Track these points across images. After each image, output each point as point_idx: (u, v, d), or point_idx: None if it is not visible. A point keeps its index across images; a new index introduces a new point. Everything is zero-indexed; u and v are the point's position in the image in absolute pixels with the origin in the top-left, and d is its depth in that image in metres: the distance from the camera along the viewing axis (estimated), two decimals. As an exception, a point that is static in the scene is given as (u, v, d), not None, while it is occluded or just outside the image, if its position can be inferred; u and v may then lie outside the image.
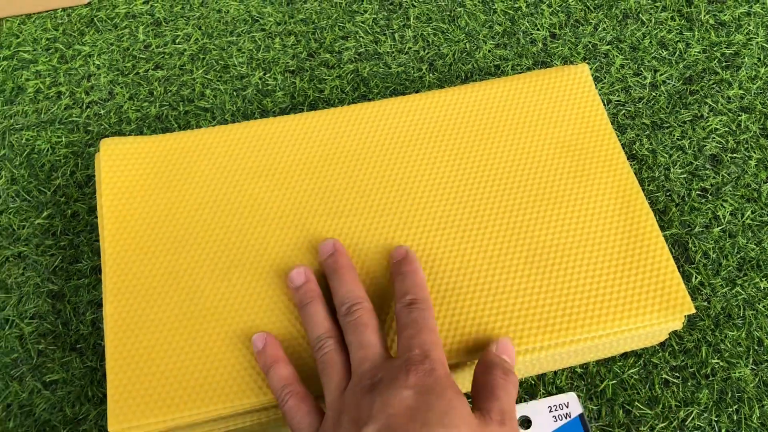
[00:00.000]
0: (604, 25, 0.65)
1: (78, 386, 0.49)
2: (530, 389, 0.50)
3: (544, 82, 0.54)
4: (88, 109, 0.60)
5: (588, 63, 0.63)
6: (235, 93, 0.61)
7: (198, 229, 0.48)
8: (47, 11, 0.66)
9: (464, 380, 0.47)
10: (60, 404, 0.49)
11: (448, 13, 0.66)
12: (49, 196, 0.56)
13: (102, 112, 0.60)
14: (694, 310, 0.45)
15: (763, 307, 0.52)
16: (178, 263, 0.47)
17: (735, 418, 0.49)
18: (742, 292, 0.53)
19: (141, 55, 0.63)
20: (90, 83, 0.62)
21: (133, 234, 0.48)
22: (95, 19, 0.65)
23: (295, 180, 0.50)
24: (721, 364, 0.50)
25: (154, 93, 0.61)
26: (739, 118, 0.60)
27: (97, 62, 0.63)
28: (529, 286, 0.46)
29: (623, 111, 0.60)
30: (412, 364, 0.38)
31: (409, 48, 0.64)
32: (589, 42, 0.64)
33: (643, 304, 0.46)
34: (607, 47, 0.64)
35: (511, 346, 0.43)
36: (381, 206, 0.49)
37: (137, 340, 0.44)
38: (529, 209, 0.49)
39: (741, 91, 0.61)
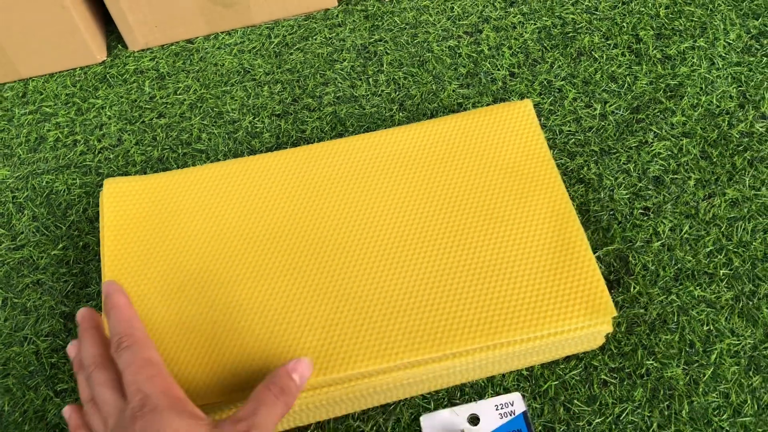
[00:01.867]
0: (560, 63, 0.72)
1: (84, 393, 0.57)
2: (480, 390, 0.55)
3: (491, 116, 0.61)
4: (100, 154, 0.69)
5: (543, 97, 0.69)
6: (227, 136, 0.69)
7: (186, 253, 0.56)
8: (67, 70, 0.75)
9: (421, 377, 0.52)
10: (69, 409, 0.56)
11: (418, 58, 0.73)
12: (64, 230, 0.65)
13: (111, 156, 0.69)
14: (615, 313, 0.51)
15: (696, 312, 0.57)
16: (168, 284, 0.54)
17: (666, 413, 0.53)
18: (677, 300, 0.58)
19: (146, 106, 0.72)
20: (102, 132, 0.71)
21: (129, 259, 0.56)
22: (107, 75, 0.75)
23: (269, 209, 0.58)
24: (655, 365, 0.55)
25: (157, 138, 0.70)
26: (681, 142, 0.65)
27: (108, 113, 0.72)
28: (473, 294, 0.52)
29: (573, 139, 0.66)
30: (134, 413, 0.41)
31: (382, 91, 0.71)
32: (545, 79, 0.71)
33: (571, 308, 0.51)
34: (562, 83, 0.70)
35: (308, 368, 0.47)
36: (347, 229, 0.56)
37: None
38: (475, 227, 0.55)
39: (684, 118, 0.67)
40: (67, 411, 0.49)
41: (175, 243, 0.56)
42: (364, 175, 0.59)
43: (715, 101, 0.68)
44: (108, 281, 0.50)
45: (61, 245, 0.64)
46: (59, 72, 0.75)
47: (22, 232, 0.65)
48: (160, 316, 0.53)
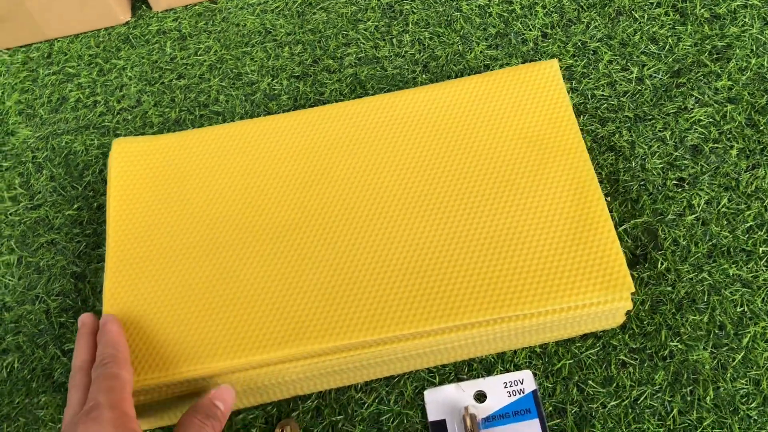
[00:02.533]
0: (596, 23, 0.67)
1: (90, 354, 0.56)
2: (489, 366, 0.52)
3: (514, 77, 0.57)
4: (119, 115, 0.68)
5: (576, 60, 0.65)
6: (244, 98, 0.68)
7: (191, 214, 0.55)
8: (91, 31, 0.75)
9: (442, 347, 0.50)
10: (74, 369, 0.56)
11: (445, 17, 0.70)
12: (80, 191, 0.64)
13: (129, 117, 0.68)
14: (633, 289, 0.47)
15: (730, 292, 0.53)
16: (172, 242, 0.53)
17: (689, 398, 0.49)
18: (709, 278, 0.53)
19: (167, 67, 0.71)
20: (122, 93, 0.70)
21: (134, 219, 0.55)
22: (131, 36, 0.74)
23: (277, 172, 0.56)
24: (679, 347, 0.51)
25: (176, 100, 0.69)
26: (725, 108, 0.60)
27: (129, 74, 0.71)
28: (483, 265, 0.50)
29: (605, 104, 0.62)
30: (80, 418, 0.43)
31: (406, 52, 0.68)
32: (580, 40, 0.66)
33: (586, 282, 0.48)
34: (597, 44, 0.66)
35: (230, 395, 0.48)
36: (357, 193, 0.54)
37: (130, 311, 0.51)
38: (490, 194, 0.52)
39: (729, 83, 0.62)
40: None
41: (182, 204, 0.55)
42: (378, 138, 0.56)
43: (766, 64, 0.62)
44: (106, 315, 0.51)
45: (76, 206, 0.64)
46: (84, 33, 0.75)
47: (40, 192, 0.65)
48: (164, 278, 0.52)
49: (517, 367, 0.52)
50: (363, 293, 0.50)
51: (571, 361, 0.52)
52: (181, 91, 0.69)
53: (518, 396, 0.51)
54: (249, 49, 0.71)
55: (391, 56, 0.68)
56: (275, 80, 0.68)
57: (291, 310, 0.50)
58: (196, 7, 0.75)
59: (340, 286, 0.50)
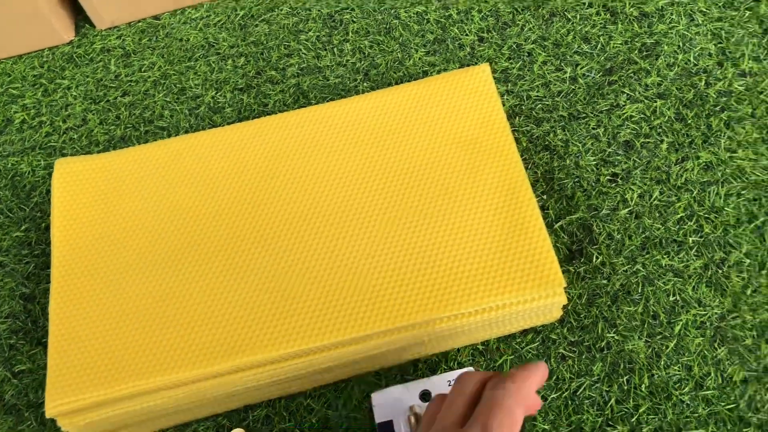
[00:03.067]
0: (530, 26, 0.69)
1: (42, 375, 0.57)
2: (433, 365, 0.54)
3: (447, 83, 0.59)
4: (65, 135, 0.69)
5: (511, 62, 0.66)
6: (188, 112, 0.68)
7: (133, 230, 0.55)
8: (35, 51, 0.75)
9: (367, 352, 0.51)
10: (26, 390, 0.56)
11: (384, 26, 0.71)
12: (28, 212, 0.65)
13: (75, 136, 0.68)
14: (564, 284, 0.49)
15: (662, 283, 0.54)
16: (115, 259, 0.54)
17: (625, 387, 0.51)
18: (643, 270, 0.55)
19: (111, 85, 0.71)
20: (67, 112, 0.70)
21: (79, 239, 0.55)
22: (74, 55, 0.74)
23: (220, 184, 0.56)
24: (615, 337, 0.53)
25: (121, 117, 0.69)
26: (655, 104, 0.62)
27: (74, 93, 0.71)
28: (423, 268, 0.51)
29: (540, 105, 0.64)
30: None
31: (347, 60, 0.69)
32: (515, 42, 0.68)
33: (519, 280, 0.49)
34: (532, 46, 0.67)
35: (540, 371, 0.43)
36: (295, 202, 0.55)
37: (75, 328, 0.51)
38: (426, 199, 0.54)
39: (659, 79, 0.64)
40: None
41: (126, 221, 0.56)
42: (317, 147, 0.57)
43: (692, 59, 0.64)
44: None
45: (24, 227, 0.64)
46: (27, 54, 0.75)
47: (-14, 215, 0.65)
48: (109, 294, 0.53)
49: (461, 365, 0.53)
50: (306, 301, 0.51)
51: (512, 357, 0.53)
52: (126, 108, 0.70)
53: (462, 393, 0.52)
54: (192, 63, 0.72)
55: (332, 65, 0.69)
56: (219, 93, 0.69)
57: (236, 321, 0.50)
58: (140, 24, 0.75)
59: (284, 296, 0.51)
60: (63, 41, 0.75)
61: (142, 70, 0.72)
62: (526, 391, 0.41)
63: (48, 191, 0.66)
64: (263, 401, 0.54)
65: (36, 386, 0.56)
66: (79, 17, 0.77)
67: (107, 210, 0.57)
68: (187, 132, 0.67)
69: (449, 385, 0.52)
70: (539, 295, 0.49)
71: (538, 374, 0.42)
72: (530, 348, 0.53)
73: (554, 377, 0.52)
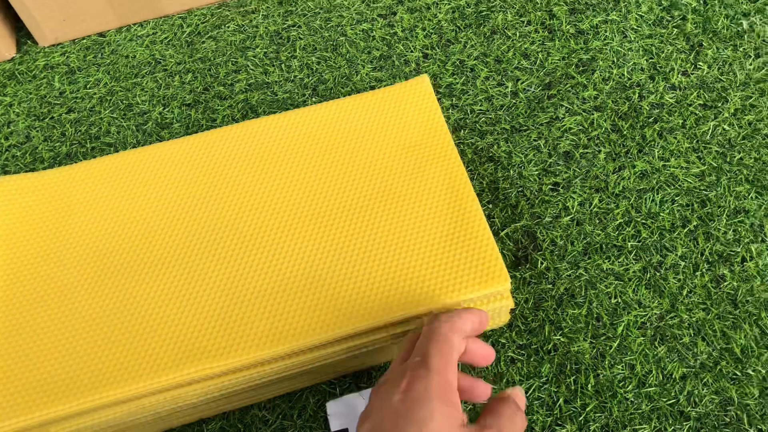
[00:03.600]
0: (473, 42, 0.71)
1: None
2: (381, 373, 0.54)
3: (390, 94, 0.61)
4: (7, 152, 0.68)
5: (455, 77, 0.69)
6: (136, 128, 0.68)
7: (77, 248, 0.55)
8: (-25, 69, 0.74)
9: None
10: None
11: (331, 42, 0.72)
12: (-31, 230, 0.63)
13: (19, 153, 0.67)
14: (509, 281, 0.50)
15: (604, 286, 0.57)
16: (58, 278, 0.53)
17: (572, 387, 0.53)
18: (585, 274, 0.57)
19: (56, 101, 0.71)
20: (9, 129, 0.69)
21: (22, 256, 0.54)
22: (17, 72, 0.73)
23: (167, 197, 0.56)
24: (562, 340, 0.55)
25: (66, 134, 0.68)
26: (592, 116, 0.65)
27: (16, 110, 0.70)
28: (370, 272, 0.52)
29: (484, 118, 0.66)
30: (409, 369, 0.41)
31: (295, 76, 0.70)
32: (458, 59, 0.70)
33: (466, 279, 0.51)
34: (474, 62, 0.70)
35: (523, 396, 0.45)
36: (242, 214, 0.55)
37: (18, 346, 0.50)
38: (372, 205, 0.55)
39: (595, 92, 0.67)
40: None
41: (69, 238, 0.55)
42: (262, 159, 0.58)
43: (626, 74, 0.67)
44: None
45: (-35, 246, 0.62)
46: (-34, 70, 0.74)
47: (-75, 235, 0.63)
48: (55, 313, 0.52)
49: (414, 372, 0.54)
50: (255, 310, 0.51)
51: (463, 362, 0.54)
52: (71, 125, 0.69)
53: (415, 399, 0.53)
54: (139, 79, 0.71)
55: (280, 81, 0.70)
56: (167, 109, 0.69)
57: (185, 332, 0.50)
58: (84, 41, 0.75)
59: (232, 305, 0.51)
60: (4, 58, 0.74)
61: (88, 86, 0.71)
62: (460, 322, 0.44)
63: (-10, 209, 0.64)
64: (217, 414, 0.54)
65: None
66: (21, 33, 0.76)
67: (52, 226, 0.56)
68: (134, 146, 0.67)
69: (403, 391, 0.53)
70: (485, 293, 0.50)
71: (474, 312, 0.45)
72: (480, 352, 0.55)
73: (504, 380, 0.54)
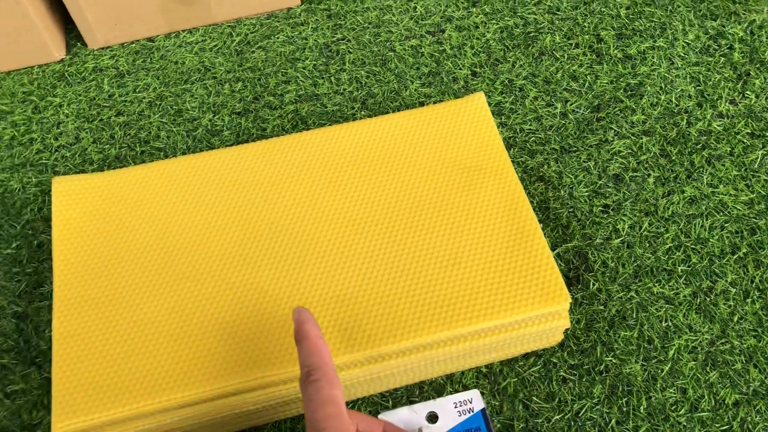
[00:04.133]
0: (521, 62, 0.72)
1: (35, 395, 0.55)
2: (439, 387, 0.55)
3: (446, 110, 0.61)
4: (57, 153, 0.68)
5: (504, 96, 0.69)
6: (186, 134, 0.68)
7: (136, 250, 0.55)
8: (24, 68, 0.74)
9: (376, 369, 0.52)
10: (18, 411, 0.55)
11: (380, 57, 0.73)
12: (19, 229, 0.63)
13: (68, 154, 0.68)
14: (570, 300, 0.51)
15: (655, 309, 0.57)
16: (118, 280, 0.53)
17: (624, 409, 0.53)
18: (636, 296, 0.58)
19: (105, 104, 0.71)
20: (59, 130, 0.69)
21: (79, 257, 0.54)
22: (66, 73, 0.73)
23: (222, 205, 0.57)
24: (613, 361, 0.55)
25: (115, 136, 0.69)
26: (641, 140, 0.66)
27: (66, 111, 0.71)
28: (428, 287, 0.52)
29: (533, 138, 0.66)
30: None
31: (344, 89, 0.71)
32: (507, 78, 0.71)
33: (526, 296, 0.51)
34: (523, 82, 0.70)
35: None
36: (299, 223, 0.55)
37: (79, 348, 0.50)
38: (430, 221, 0.55)
39: (643, 117, 0.67)
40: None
41: (126, 241, 0.55)
42: (320, 170, 0.59)
43: (674, 100, 0.68)
44: (299, 308, 0.46)
45: (15, 244, 0.63)
46: (16, 70, 0.74)
47: (-26, 232, 0.63)
48: (113, 314, 0.52)
49: (466, 387, 0.55)
50: (320, 319, 0.51)
51: (515, 380, 0.55)
52: (120, 128, 0.69)
53: (468, 415, 0.53)
54: (189, 86, 0.72)
55: (330, 93, 0.71)
56: (217, 116, 0.70)
57: (248, 337, 0.51)
58: (133, 45, 0.75)
59: (286, 314, 0.52)
60: (54, 59, 0.74)
61: (137, 90, 0.72)
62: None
63: (40, 209, 0.64)
64: (268, 423, 0.54)
65: (30, 407, 0.55)
66: (71, 36, 0.77)
67: (107, 229, 0.56)
68: (184, 153, 0.67)
69: (455, 407, 0.54)
70: (545, 310, 0.51)
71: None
72: (533, 371, 0.55)
73: (556, 399, 0.54)
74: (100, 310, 0.52)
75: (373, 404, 0.54)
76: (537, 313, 0.51)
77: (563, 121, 0.67)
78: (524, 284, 0.52)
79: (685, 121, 0.67)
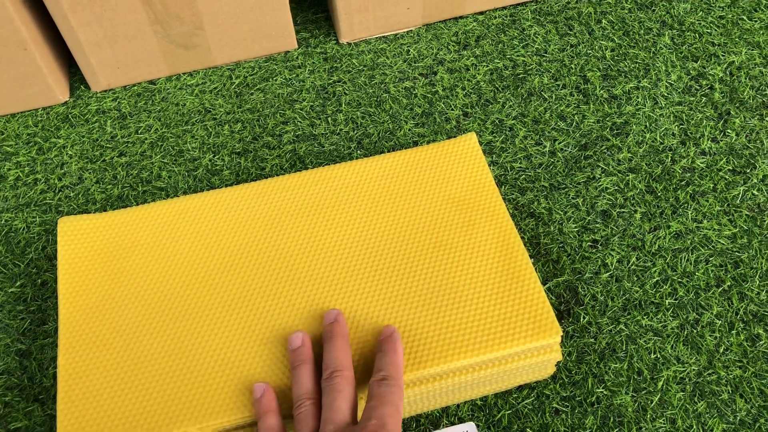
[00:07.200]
0: (511, 103, 0.74)
1: None
2: (435, 420, 0.56)
3: (439, 151, 0.63)
4: (60, 193, 0.70)
5: (495, 135, 0.72)
6: (187, 173, 0.70)
7: (139, 289, 0.56)
8: (29, 110, 0.76)
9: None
10: (23, 447, 0.56)
11: (375, 98, 0.76)
12: (23, 268, 0.65)
13: (72, 194, 0.69)
14: (561, 333, 0.52)
15: (644, 341, 0.59)
16: (122, 318, 0.55)
17: (616, 439, 0.55)
18: (625, 329, 0.60)
19: (108, 145, 0.73)
20: (63, 170, 0.71)
21: (85, 296, 0.56)
22: (70, 115, 0.76)
23: (223, 243, 0.59)
24: (604, 392, 0.57)
25: (118, 177, 0.71)
26: (627, 177, 0.68)
27: (69, 152, 0.73)
28: (421, 322, 0.54)
29: (523, 176, 0.69)
30: (366, 431, 0.44)
31: (341, 129, 0.73)
32: (497, 118, 0.73)
33: (518, 330, 0.53)
34: (513, 121, 0.73)
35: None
36: (298, 261, 0.57)
37: (84, 385, 0.52)
38: (423, 258, 0.57)
39: (629, 155, 0.70)
40: (260, 388, 0.50)
41: (131, 279, 0.57)
42: (318, 208, 0.60)
43: (658, 138, 0.71)
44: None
45: (19, 283, 0.64)
46: (21, 112, 0.76)
47: (-20, 271, 0.65)
48: (115, 352, 0.53)
49: (461, 420, 0.56)
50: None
51: (509, 411, 0.56)
52: (123, 168, 0.71)
53: (464, 446, 0.54)
54: (189, 127, 0.74)
55: (327, 133, 0.73)
56: (217, 156, 0.72)
57: (249, 376, 0.52)
58: (135, 87, 0.78)
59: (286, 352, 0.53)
60: (58, 101, 0.76)
61: (139, 132, 0.74)
62: (402, 382, 0.49)
63: (44, 247, 0.66)
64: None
65: (33, 444, 0.56)
66: (74, 78, 0.79)
67: (111, 268, 0.58)
68: (185, 193, 0.69)
69: (451, 439, 0.55)
70: (537, 343, 0.52)
71: (401, 360, 0.50)
72: (526, 403, 0.56)
73: (550, 430, 0.55)
74: (105, 348, 0.54)
75: (371, 437, 0.55)
76: (529, 346, 0.53)
77: (552, 159, 0.70)
78: (516, 318, 0.53)
79: (669, 158, 0.69)
